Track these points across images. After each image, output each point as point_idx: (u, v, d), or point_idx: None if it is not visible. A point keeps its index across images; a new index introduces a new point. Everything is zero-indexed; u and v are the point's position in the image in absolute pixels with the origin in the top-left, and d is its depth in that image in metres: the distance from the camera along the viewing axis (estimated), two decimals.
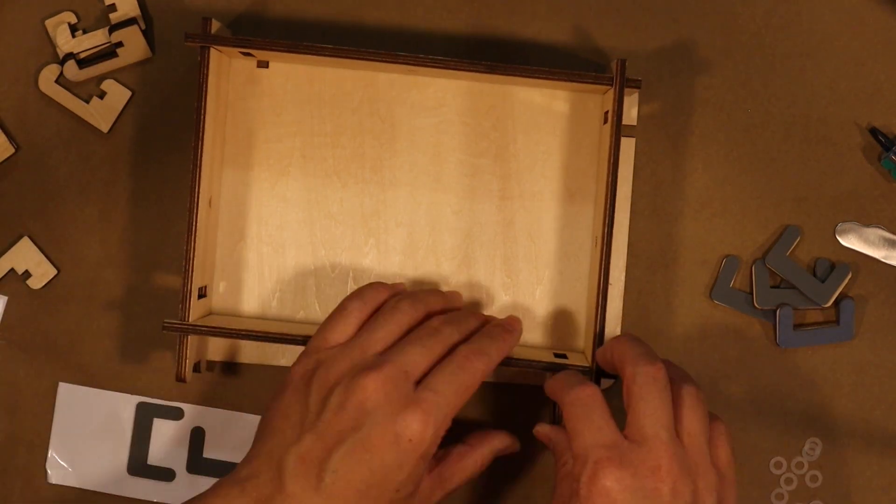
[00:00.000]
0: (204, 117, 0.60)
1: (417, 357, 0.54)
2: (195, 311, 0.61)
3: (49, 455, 0.66)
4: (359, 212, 0.65)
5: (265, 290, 0.65)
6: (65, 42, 0.66)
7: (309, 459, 0.52)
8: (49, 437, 0.66)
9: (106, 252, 0.66)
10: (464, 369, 0.54)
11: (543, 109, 0.64)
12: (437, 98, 0.65)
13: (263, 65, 0.65)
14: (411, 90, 0.65)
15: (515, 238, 0.65)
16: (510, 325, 0.59)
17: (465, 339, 0.56)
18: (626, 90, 0.60)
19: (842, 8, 0.66)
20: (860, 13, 0.66)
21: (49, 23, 0.66)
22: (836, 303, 0.65)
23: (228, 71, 0.64)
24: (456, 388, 0.53)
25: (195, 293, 0.61)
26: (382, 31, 0.65)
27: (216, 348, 0.66)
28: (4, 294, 0.66)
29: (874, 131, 0.65)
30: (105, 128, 0.66)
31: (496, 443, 0.59)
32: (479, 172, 0.65)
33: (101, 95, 0.66)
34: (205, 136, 0.60)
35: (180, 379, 0.61)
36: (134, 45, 0.65)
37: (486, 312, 0.65)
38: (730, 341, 0.65)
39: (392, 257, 0.65)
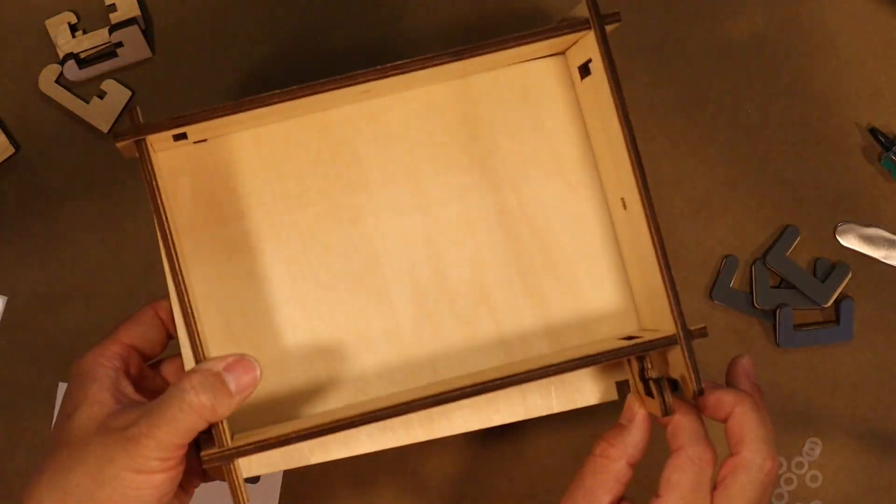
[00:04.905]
0: (167, 219, 0.52)
1: None
2: (228, 430, 0.52)
3: None
4: (350, 273, 0.57)
5: (274, 393, 0.56)
6: (65, 42, 0.66)
7: None
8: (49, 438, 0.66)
9: (106, 252, 0.66)
10: None
11: (518, 99, 0.58)
12: (401, 124, 0.57)
13: (200, 139, 0.56)
14: (370, 122, 0.57)
15: (528, 253, 0.57)
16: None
17: None
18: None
19: (842, 8, 0.66)
20: (860, 13, 0.66)
21: (49, 23, 0.66)
22: (836, 303, 0.65)
23: (159, 165, 0.55)
24: None
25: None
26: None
27: (262, 460, 0.56)
28: (4, 294, 0.66)
29: (874, 131, 0.65)
30: (105, 128, 0.66)
31: None
32: (469, 192, 0.57)
33: (101, 95, 0.66)
34: (175, 240, 0.52)
35: None
36: (134, 45, 0.65)
37: (525, 344, 0.57)
38: (730, 341, 0.65)
39: (401, 311, 0.57)
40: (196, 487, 0.55)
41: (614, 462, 0.52)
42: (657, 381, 0.52)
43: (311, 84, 0.52)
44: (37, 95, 0.66)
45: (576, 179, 0.58)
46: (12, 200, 0.66)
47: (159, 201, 0.51)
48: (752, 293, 0.65)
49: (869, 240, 0.65)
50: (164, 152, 0.56)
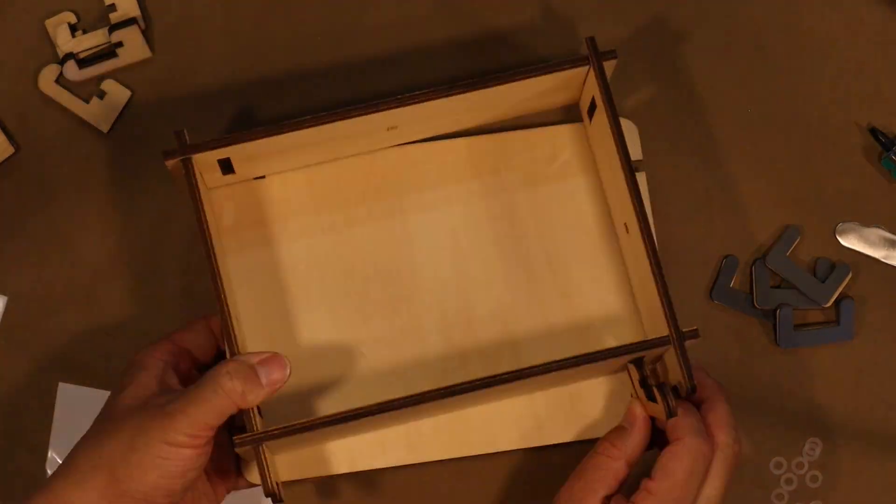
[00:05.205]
0: (210, 234, 0.57)
1: None
2: (259, 421, 0.57)
3: (49, 455, 0.66)
4: (387, 303, 0.62)
5: (309, 411, 0.62)
6: (65, 42, 0.66)
7: None
8: (49, 438, 0.66)
9: (106, 252, 0.66)
10: None
11: (546, 158, 0.63)
12: (441, 172, 0.63)
13: (259, 175, 0.63)
14: (411, 170, 0.63)
15: (549, 296, 0.63)
16: None
17: None
18: (621, 119, 0.60)
19: (842, 8, 0.66)
20: (860, 13, 0.66)
21: (49, 23, 0.66)
22: (836, 303, 0.65)
23: (210, 199, 0.61)
24: None
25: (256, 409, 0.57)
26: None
27: (293, 466, 0.61)
28: (4, 294, 0.66)
29: (874, 131, 0.65)
30: (105, 128, 0.66)
31: None
32: (499, 238, 0.63)
33: (101, 95, 0.66)
34: (216, 253, 0.57)
35: (271, 495, 0.56)
36: (134, 45, 0.65)
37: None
38: (730, 341, 0.65)
39: (431, 342, 0.63)
40: (228, 492, 0.60)
41: (615, 461, 0.57)
42: (660, 386, 0.56)
43: (341, 110, 0.57)
44: (37, 95, 0.66)
45: (597, 232, 0.63)
46: (12, 200, 0.66)
47: (202, 214, 0.56)
48: (752, 293, 0.65)
49: (869, 240, 0.65)
50: (219, 189, 0.62)
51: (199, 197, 0.57)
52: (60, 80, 0.66)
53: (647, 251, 0.57)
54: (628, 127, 0.64)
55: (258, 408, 0.57)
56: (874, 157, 0.66)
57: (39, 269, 0.66)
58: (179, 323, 0.65)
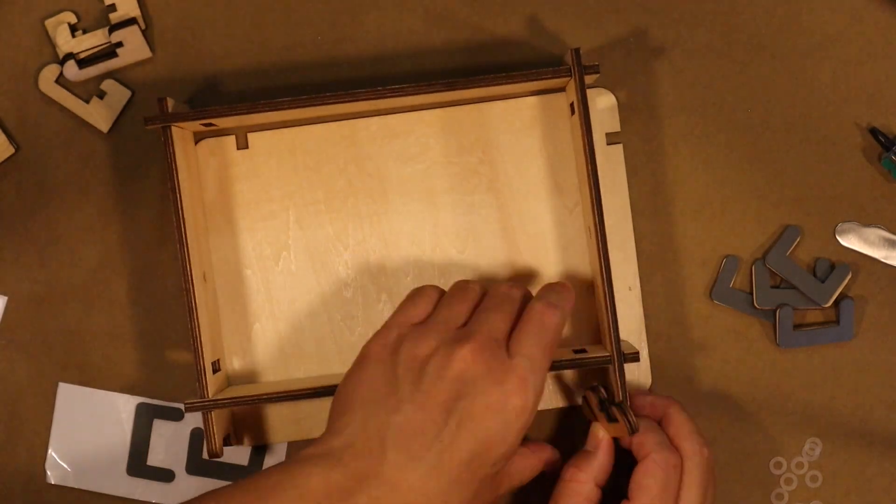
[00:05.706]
0: (180, 196, 0.60)
1: (500, 323, 0.55)
2: (213, 385, 0.61)
3: (49, 455, 0.66)
4: (366, 270, 0.65)
5: (290, 366, 0.65)
6: (65, 42, 0.66)
7: (411, 430, 0.52)
8: (49, 437, 0.66)
9: (106, 252, 0.66)
10: (545, 328, 0.55)
11: (526, 129, 0.65)
12: (420, 144, 0.65)
13: (243, 146, 0.65)
14: (392, 140, 0.65)
15: (524, 264, 0.65)
16: (564, 285, 0.60)
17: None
18: (600, 90, 0.62)
19: (842, 8, 0.66)
20: (860, 13, 0.66)
21: (49, 23, 0.66)
22: (836, 303, 0.65)
23: (195, 154, 0.65)
24: (544, 348, 0.55)
25: (209, 368, 0.61)
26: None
27: (246, 430, 0.65)
28: (4, 294, 0.66)
29: (874, 131, 0.65)
30: (105, 128, 0.66)
31: (549, 454, 0.61)
32: (476, 209, 0.65)
33: (101, 95, 0.66)
34: (185, 215, 0.60)
35: (214, 455, 0.61)
36: (134, 45, 0.65)
37: None
38: (730, 341, 0.65)
39: None
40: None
41: (584, 485, 0.57)
42: (619, 406, 0.58)
43: (319, 96, 0.60)
44: (37, 95, 0.66)
45: (572, 202, 0.65)
46: (12, 200, 0.66)
47: (176, 180, 0.60)
48: (752, 293, 0.65)
49: (869, 240, 0.65)
50: (219, 151, 0.65)
51: (176, 166, 0.60)
52: (60, 80, 0.66)
53: (601, 264, 0.59)
54: (606, 98, 0.65)
55: (213, 368, 0.61)
56: (874, 157, 0.65)
57: (39, 269, 0.66)
58: (179, 323, 0.65)
